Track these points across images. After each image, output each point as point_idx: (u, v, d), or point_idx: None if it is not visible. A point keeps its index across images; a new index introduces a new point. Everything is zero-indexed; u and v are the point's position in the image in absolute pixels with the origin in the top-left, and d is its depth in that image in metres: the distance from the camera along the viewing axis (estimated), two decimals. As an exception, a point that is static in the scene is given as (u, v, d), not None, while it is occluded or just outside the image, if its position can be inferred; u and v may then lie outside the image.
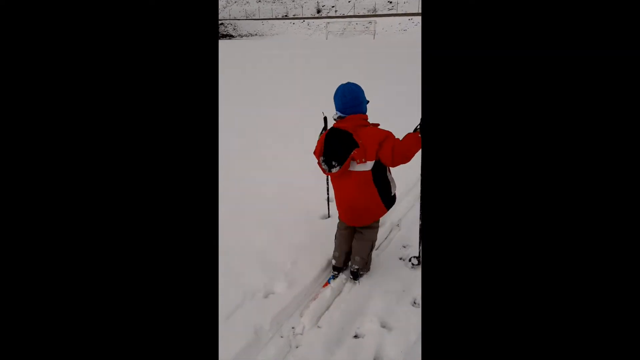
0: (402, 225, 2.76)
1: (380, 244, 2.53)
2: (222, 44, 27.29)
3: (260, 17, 41.72)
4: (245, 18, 42.44)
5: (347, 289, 2.12)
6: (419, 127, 1.88)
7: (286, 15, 41.36)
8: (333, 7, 39.68)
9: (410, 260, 2.30)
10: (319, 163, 1.95)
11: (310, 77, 10.44)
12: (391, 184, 1.98)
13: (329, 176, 2.04)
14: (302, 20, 38.40)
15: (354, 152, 1.78)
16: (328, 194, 2.80)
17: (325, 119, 2.28)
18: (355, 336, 1.81)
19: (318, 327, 1.86)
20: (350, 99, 1.84)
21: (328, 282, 2.16)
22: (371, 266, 2.22)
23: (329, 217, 2.82)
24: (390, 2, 36.55)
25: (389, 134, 1.80)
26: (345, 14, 37.46)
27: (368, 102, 1.92)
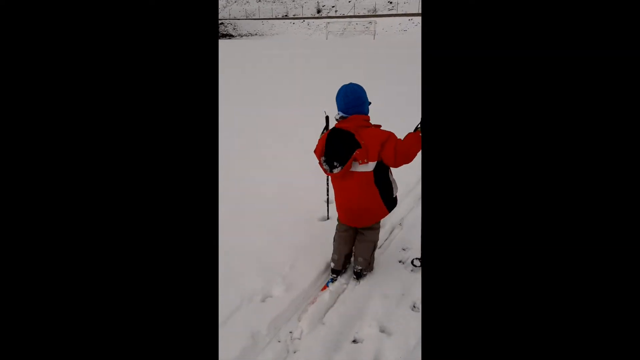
0: (403, 226, 2.74)
1: (381, 245, 2.51)
2: (222, 43, 27.37)
3: (260, 17, 41.84)
4: (245, 18, 42.55)
5: (345, 293, 2.10)
6: (419, 126, 1.86)
7: (286, 15, 41.46)
8: (333, 7, 39.78)
9: (412, 262, 2.28)
10: (320, 163, 1.93)
11: (310, 77, 10.43)
12: (393, 185, 1.96)
13: (330, 177, 2.02)
14: (302, 20, 38.51)
15: (356, 153, 1.77)
16: (328, 195, 2.78)
17: (327, 118, 2.26)
18: (354, 341, 1.78)
19: (316, 331, 1.83)
20: (353, 99, 1.82)
21: (326, 286, 2.13)
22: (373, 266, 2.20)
23: (328, 219, 2.80)
24: (390, 3, 36.63)
25: (390, 135, 1.78)
26: (346, 14, 37.56)
27: (370, 103, 1.90)
